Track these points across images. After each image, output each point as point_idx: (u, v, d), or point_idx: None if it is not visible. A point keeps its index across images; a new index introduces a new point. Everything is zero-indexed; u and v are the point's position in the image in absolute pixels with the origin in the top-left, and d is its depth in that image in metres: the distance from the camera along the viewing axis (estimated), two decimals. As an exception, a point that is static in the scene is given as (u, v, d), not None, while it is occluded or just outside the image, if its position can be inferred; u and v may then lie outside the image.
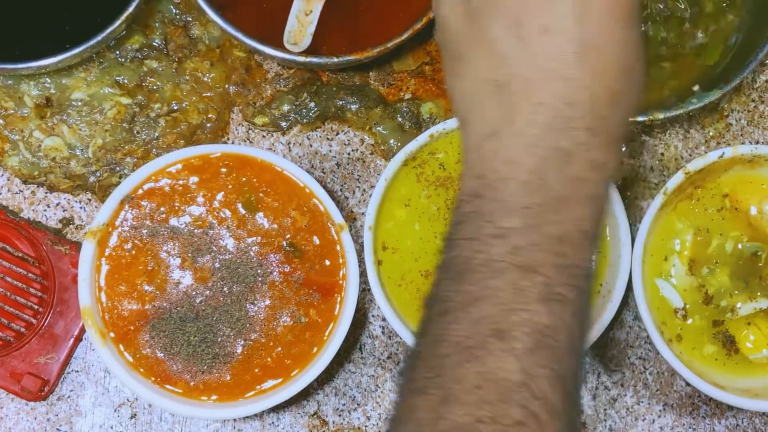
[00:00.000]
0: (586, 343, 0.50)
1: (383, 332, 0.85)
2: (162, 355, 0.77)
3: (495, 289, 0.48)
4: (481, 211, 0.50)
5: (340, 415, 0.84)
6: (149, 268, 0.78)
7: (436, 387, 0.47)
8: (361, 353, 0.84)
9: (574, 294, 0.49)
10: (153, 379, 0.77)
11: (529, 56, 0.51)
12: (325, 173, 0.86)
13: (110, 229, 0.78)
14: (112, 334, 0.77)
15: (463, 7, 0.54)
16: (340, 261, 0.78)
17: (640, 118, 0.80)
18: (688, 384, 0.85)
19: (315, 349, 0.78)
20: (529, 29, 0.51)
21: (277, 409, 0.83)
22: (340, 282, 0.78)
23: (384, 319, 0.84)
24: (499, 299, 0.48)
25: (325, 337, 0.78)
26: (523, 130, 0.51)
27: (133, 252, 0.78)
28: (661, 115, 0.80)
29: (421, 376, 0.48)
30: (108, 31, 0.78)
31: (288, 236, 0.79)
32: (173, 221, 0.78)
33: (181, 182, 0.79)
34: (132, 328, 0.77)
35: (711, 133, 0.88)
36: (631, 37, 0.52)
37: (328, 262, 0.79)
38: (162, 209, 0.78)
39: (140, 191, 0.78)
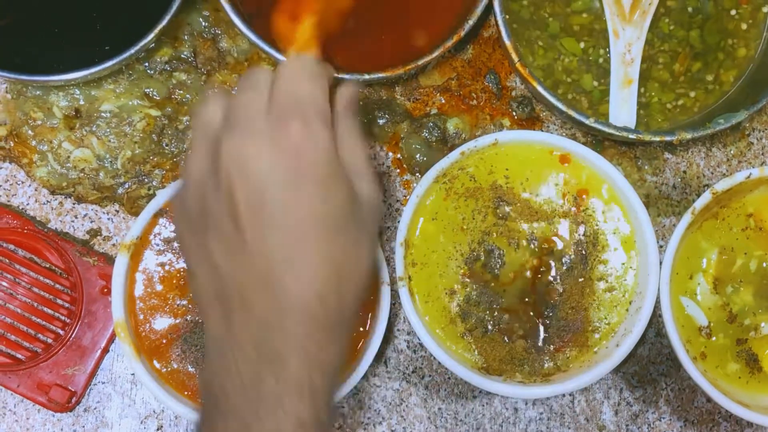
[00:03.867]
0: None
1: (408, 346, 0.85)
2: (194, 369, 0.77)
3: None
4: (210, 418, 0.56)
5: (365, 429, 0.84)
6: (182, 282, 0.78)
7: None
8: (386, 367, 0.85)
9: None
10: (186, 393, 0.77)
11: (238, 269, 0.56)
12: (351, 187, 0.86)
13: (143, 243, 0.78)
14: (144, 348, 0.77)
15: (188, 223, 0.59)
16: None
17: (667, 138, 0.81)
18: (708, 400, 0.86)
19: (345, 364, 0.78)
20: (235, 243, 0.56)
21: (302, 422, 0.83)
22: (372, 298, 0.79)
23: (409, 333, 0.85)
24: None
25: (356, 353, 0.78)
26: (239, 342, 0.56)
27: (166, 266, 0.78)
28: (688, 135, 0.81)
29: None
30: (140, 45, 0.78)
31: (320, 252, 0.79)
32: (206, 235, 0.79)
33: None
34: (164, 341, 0.77)
35: (732, 152, 0.89)
36: (337, 246, 0.57)
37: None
38: (195, 223, 0.79)
39: (174, 205, 0.79)
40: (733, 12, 0.87)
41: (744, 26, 0.87)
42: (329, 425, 0.57)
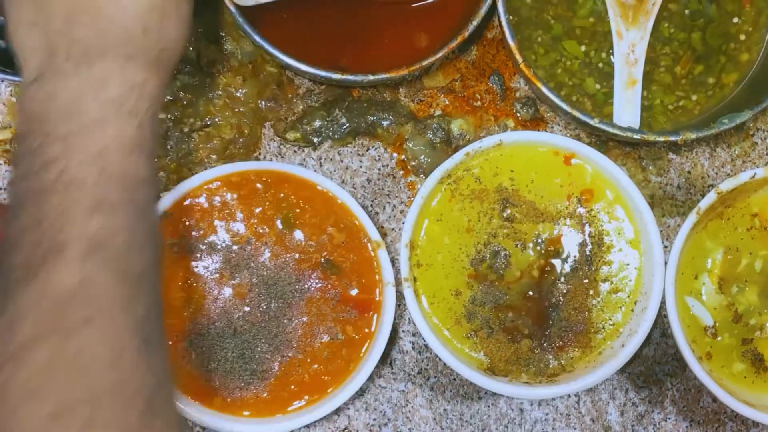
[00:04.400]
0: (152, 235, 0.57)
1: (413, 347, 0.85)
2: (199, 371, 0.77)
3: (44, 214, 0.53)
4: (31, 147, 0.56)
5: (370, 430, 0.84)
6: (187, 284, 0.78)
7: (4, 312, 0.52)
8: (392, 368, 0.85)
9: (124, 198, 0.55)
10: (190, 396, 0.77)
11: None
12: (355, 189, 0.86)
13: (148, 245, 0.78)
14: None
15: None
16: (377, 278, 0.79)
17: (672, 138, 0.81)
18: (714, 400, 0.86)
19: (351, 365, 0.78)
20: None
21: (307, 424, 0.83)
22: (377, 299, 0.79)
23: (414, 335, 0.85)
24: (49, 221, 0.53)
25: (361, 354, 0.78)
26: (60, 66, 0.57)
27: (171, 268, 0.78)
28: (693, 135, 0.81)
29: None
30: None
31: (325, 253, 0.79)
32: (211, 237, 0.79)
33: (219, 198, 0.79)
34: (169, 343, 0.77)
35: (737, 152, 0.89)
36: None
37: (364, 279, 0.79)
38: (200, 225, 0.79)
39: (179, 207, 0.79)
40: (735, 20, 0.87)
41: (744, 33, 0.87)
42: (152, 148, 0.59)
